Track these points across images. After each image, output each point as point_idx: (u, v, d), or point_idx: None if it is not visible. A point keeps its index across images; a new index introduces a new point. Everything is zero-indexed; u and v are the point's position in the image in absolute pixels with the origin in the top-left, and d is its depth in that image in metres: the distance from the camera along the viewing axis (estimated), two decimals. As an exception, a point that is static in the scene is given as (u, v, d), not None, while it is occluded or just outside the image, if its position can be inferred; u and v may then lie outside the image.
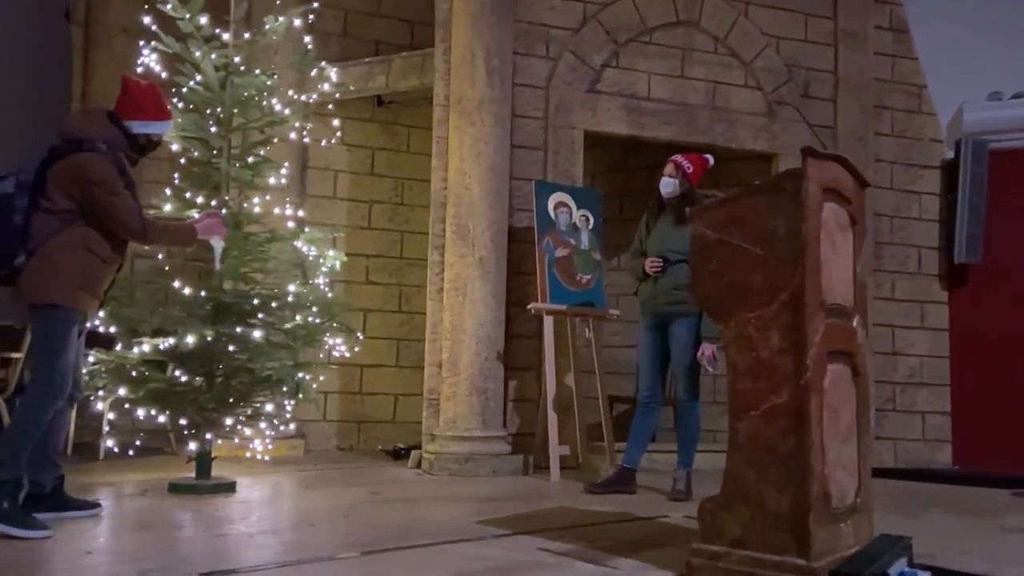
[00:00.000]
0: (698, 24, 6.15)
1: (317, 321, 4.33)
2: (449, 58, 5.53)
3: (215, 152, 4.41)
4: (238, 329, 3.98)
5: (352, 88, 5.85)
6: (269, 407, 4.17)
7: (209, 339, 3.83)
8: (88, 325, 3.54)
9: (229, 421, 4.07)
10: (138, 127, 3.44)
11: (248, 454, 4.72)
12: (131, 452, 4.53)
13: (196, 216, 3.93)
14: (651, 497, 4.38)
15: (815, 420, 2.54)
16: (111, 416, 4.39)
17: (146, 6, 4.29)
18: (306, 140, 5.04)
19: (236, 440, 5.12)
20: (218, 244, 3.75)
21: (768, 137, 6.25)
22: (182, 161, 4.69)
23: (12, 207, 3.18)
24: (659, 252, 4.44)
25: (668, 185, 4.46)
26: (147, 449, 5.19)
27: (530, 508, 3.94)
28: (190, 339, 3.84)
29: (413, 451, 5.44)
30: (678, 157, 4.52)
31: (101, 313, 3.71)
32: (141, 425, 4.45)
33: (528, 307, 5.22)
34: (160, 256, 4.51)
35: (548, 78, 5.79)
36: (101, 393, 4.00)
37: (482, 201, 5.31)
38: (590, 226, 5.50)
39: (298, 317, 4.29)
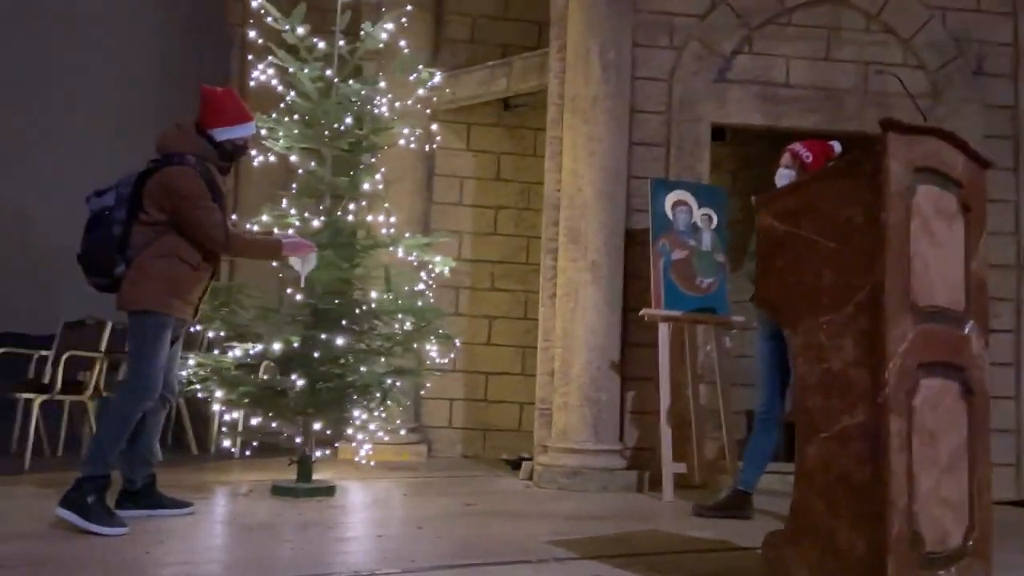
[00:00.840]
0: (846, 0, 5.54)
1: (408, 328, 4.28)
2: (564, 55, 5.34)
3: (319, 162, 4.49)
4: (323, 335, 4.00)
5: (449, 90, 5.80)
6: (357, 412, 4.16)
7: (295, 344, 3.89)
8: (183, 331, 3.67)
9: (318, 426, 4.10)
10: (220, 133, 3.54)
11: (357, 458, 4.76)
12: (248, 452, 4.71)
13: (289, 232, 4.01)
14: (767, 523, 3.92)
15: (897, 445, 2.11)
16: (227, 417, 4.60)
17: (251, 20, 4.45)
18: (412, 146, 5.00)
19: (353, 444, 5.22)
20: (299, 263, 3.74)
21: (932, 122, 5.48)
22: (300, 171, 4.83)
23: (112, 219, 3.37)
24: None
25: (784, 178, 4.00)
26: (269, 449, 5.40)
27: (619, 530, 3.65)
28: (276, 345, 3.91)
29: (525, 462, 5.27)
30: (796, 145, 4.05)
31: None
32: (262, 426, 4.62)
33: (640, 313, 4.90)
34: (275, 264, 4.65)
35: (671, 70, 5.44)
36: (218, 395, 4.16)
37: (595, 202, 5.07)
38: (713, 226, 5.09)
39: (395, 325, 4.26)
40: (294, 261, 3.78)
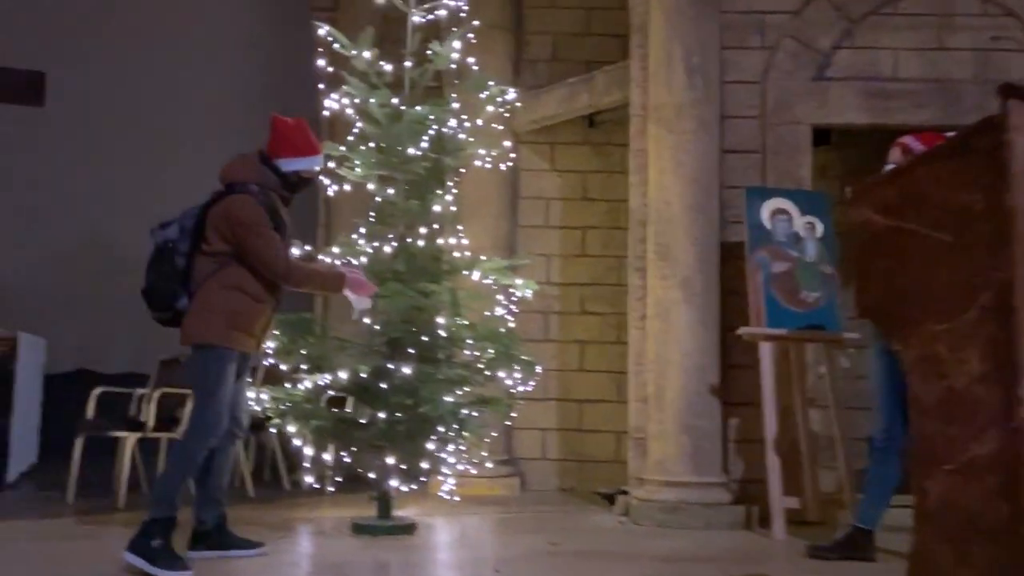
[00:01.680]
0: (958, -18, 5.04)
1: (490, 354, 4.05)
2: (647, 63, 5.07)
3: (395, 188, 4.37)
4: (392, 365, 3.83)
5: (528, 109, 5.59)
6: (432, 446, 3.96)
7: (363, 375, 3.73)
8: (248, 364, 3.58)
9: (392, 461, 3.92)
10: (286, 164, 3.45)
11: (441, 493, 4.55)
12: (331, 489, 4.60)
13: (362, 259, 3.88)
14: (892, 566, 3.45)
15: (1042, 480, 1.70)
16: (307, 451, 4.49)
17: (320, 49, 4.41)
18: (488, 166, 4.82)
19: (441, 478, 5.02)
20: (355, 299, 3.60)
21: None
22: (377, 199, 4.73)
23: (176, 251, 3.32)
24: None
25: (893, 174, 3.56)
26: (361, 482, 5.27)
27: (723, 574, 3.27)
28: (343, 375, 3.77)
29: (620, 496, 4.93)
30: (906, 138, 3.63)
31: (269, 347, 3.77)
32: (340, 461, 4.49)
33: (739, 332, 4.51)
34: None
35: (764, 71, 5.07)
36: (291, 429, 4.07)
37: (684, 216, 4.73)
38: (817, 234, 4.65)
39: (468, 352, 4.05)
40: (353, 299, 3.65)
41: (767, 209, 4.63)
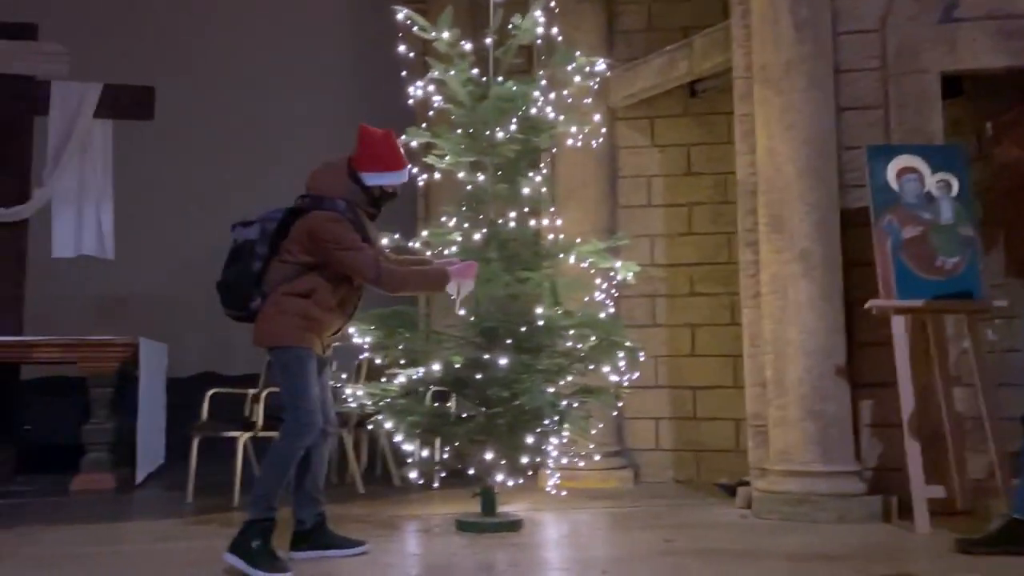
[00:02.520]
0: None
1: (592, 341, 3.82)
2: (748, 21, 4.69)
3: (484, 172, 4.21)
4: (487, 356, 3.66)
5: (624, 83, 5.27)
6: (531, 439, 3.76)
7: (457, 366, 3.58)
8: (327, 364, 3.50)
9: (491, 456, 3.75)
10: (370, 179, 3.35)
11: (547, 488, 4.37)
12: (436, 484, 4.49)
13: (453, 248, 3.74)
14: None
15: None
16: (407, 447, 4.40)
17: (400, 34, 4.29)
18: (579, 144, 4.58)
19: (548, 472, 4.85)
20: (454, 288, 3.45)
21: None
22: (469, 187, 4.58)
23: (253, 254, 3.28)
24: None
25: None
26: (462, 479, 5.16)
27: (858, 574, 2.94)
28: (436, 367, 3.63)
29: (742, 488, 4.59)
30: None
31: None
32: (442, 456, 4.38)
33: (867, 306, 4.09)
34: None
35: (882, 17, 4.59)
36: (387, 425, 3.98)
37: (798, 182, 4.34)
38: (953, 193, 4.16)
39: (569, 342, 3.84)
40: (450, 287, 3.51)
41: (893, 168, 4.19)
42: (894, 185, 4.19)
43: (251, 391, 5.67)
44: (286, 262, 3.27)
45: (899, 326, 4.00)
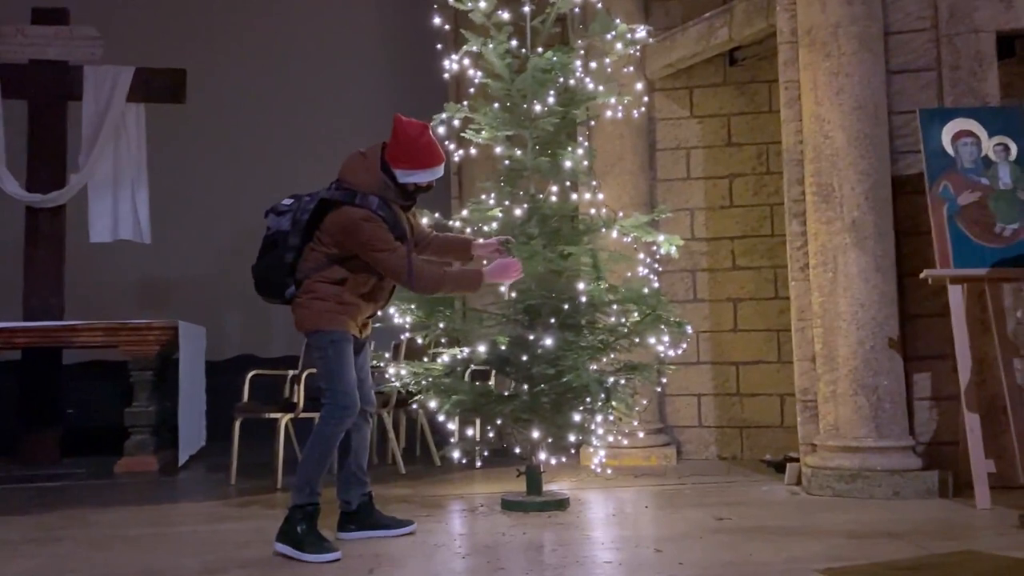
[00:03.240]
0: None
1: (635, 317, 3.73)
2: (794, -17, 4.53)
3: (522, 147, 4.12)
4: (532, 335, 3.58)
5: (662, 53, 5.11)
6: (578, 417, 3.70)
7: (503, 347, 3.51)
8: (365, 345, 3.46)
9: (537, 434, 3.69)
10: (404, 175, 3.25)
11: (592, 465, 4.30)
12: (479, 463, 4.45)
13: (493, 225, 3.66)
14: None
15: None
16: (450, 426, 4.36)
17: (435, 5, 4.19)
18: (619, 115, 4.46)
19: (591, 450, 4.78)
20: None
21: None
22: (506, 162, 4.50)
23: (286, 245, 3.24)
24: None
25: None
26: (512, 456, 5.12)
27: (920, 551, 2.85)
28: (482, 348, 3.57)
29: (789, 464, 4.50)
30: None
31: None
32: (486, 435, 4.33)
33: (923, 275, 3.96)
34: (485, 263, 4.35)
35: (933, -26, 4.41)
36: (432, 404, 3.94)
37: (848, 149, 4.20)
38: (1012, 157, 4.00)
39: (612, 317, 3.76)
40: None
41: (948, 132, 4.04)
42: (949, 150, 4.03)
43: (291, 372, 5.66)
44: (317, 250, 3.23)
45: (956, 295, 3.87)
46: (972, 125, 4.05)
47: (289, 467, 5.05)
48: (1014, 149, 4.00)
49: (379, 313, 3.47)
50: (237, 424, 5.07)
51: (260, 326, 8.43)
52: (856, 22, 4.27)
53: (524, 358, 3.64)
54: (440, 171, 3.33)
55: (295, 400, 5.14)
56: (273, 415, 5.02)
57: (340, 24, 8.49)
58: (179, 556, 3.19)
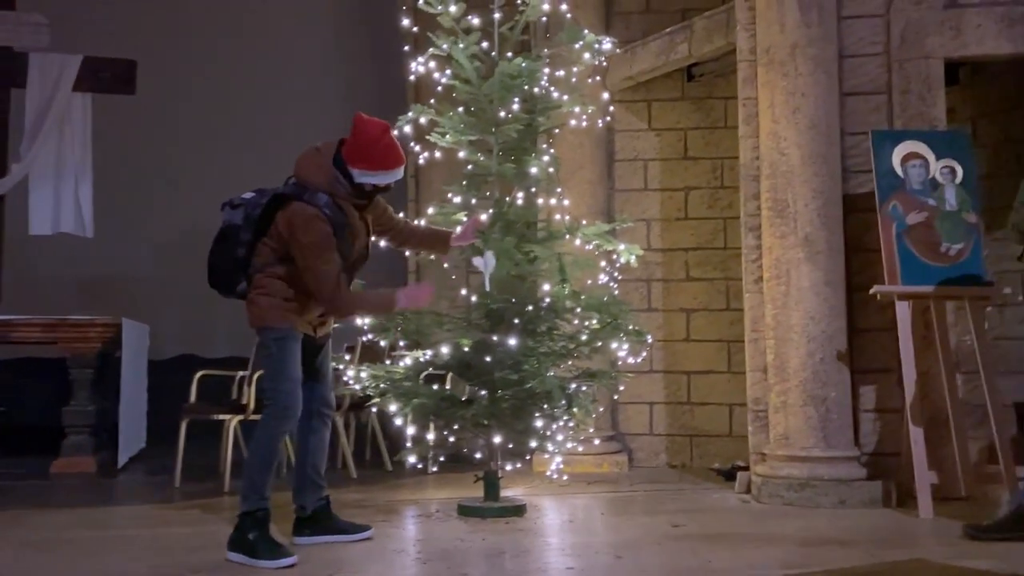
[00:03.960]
0: None
1: (594, 324, 3.77)
2: (753, 3, 4.64)
3: (486, 152, 4.13)
4: (496, 338, 3.59)
5: (624, 66, 5.20)
6: (539, 423, 3.72)
7: (466, 349, 3.51)
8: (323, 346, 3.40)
9: (498, 440, 3.69)
10: (359, 175, 3.18)
11: (549, 472, 4.32)
12: (435, 468, 4.43)
13: (457, 229, 3.65)
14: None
15: None
16: (411, 431, 4.32)
17: (404, 7, 4.18)
18: (584, 124, 4.52)
19: (546, 456, 4.81)
20: (481, 263, 3.42)
21: None
22: (470, 167, 4.49)
23: (237, 240, 3.19)
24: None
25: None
26: (463, 462, 5.09)
27: (871, 559, 2.94)
28: (445, 350, 3.56)
29: (740, 473, 4.59)
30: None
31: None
32: (443, 440, 4.31)
33: (872, 291, 4.09)
34: (446, 266, 4.34)
35: (887, 1, 4.57)
36: (392, 408, 3.90)
37: (803, 167, 4.32)
38: (957, 179, 4.17)
39: (576, 322, 3.79)
40: (478, 261, 3.45)
41: (898, 154, 4.19)
42: (899, 171, 4.18)
43: (240, 373, 5.55)
44: (268, 246, 3.18)
45: (903, 311, 4.00)
46: (921, 148, 4.20)
47: (236, 470, 4.96)
48: (960, 172, 4.17)
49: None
50: (183, 425, 4.94)
51: (204, 325, 8.23)
52: (813, 44, 4.39)
53: (488, 359, 3.63)
54: (400, 173, 3.28)
55: (244, 402, 5.04)
56: (221, 416, 4.91)
57: (297, 21, 8.37)
58: (127, 560, 3.10)
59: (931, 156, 4.20)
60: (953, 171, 4.18)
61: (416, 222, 3.93)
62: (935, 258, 4.06)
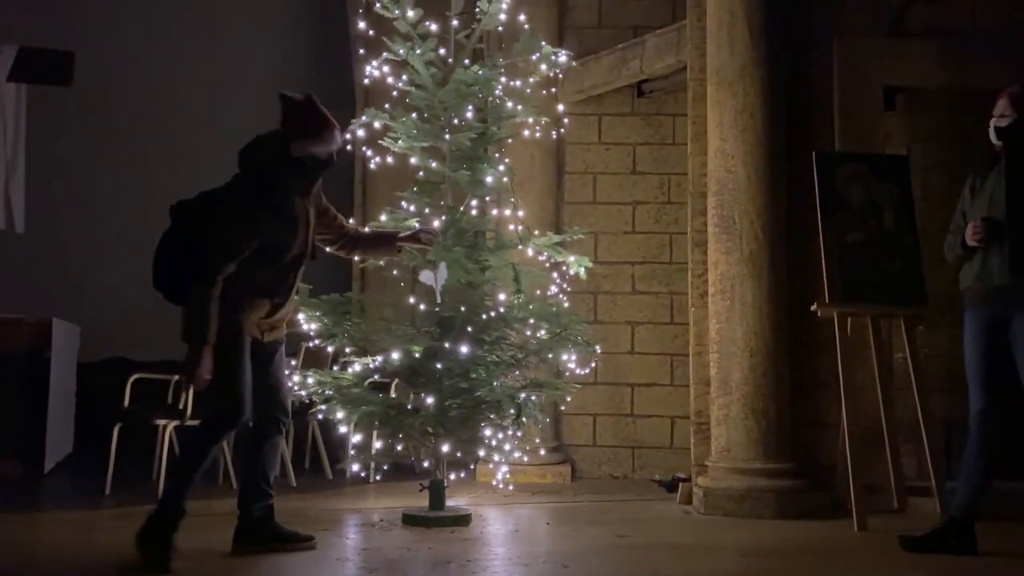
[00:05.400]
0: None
1: (543, 335, 3.79)
2: (704, 23, 4.74)
3: (439, 159, 4.11)
4: (446, 344, 3.57)
5: (575, 79, 5.27)
6: (489, 432, 3.70)
7: (417, 355, 3.48)
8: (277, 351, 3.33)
9: (446, 448, 3.67)
10: (297, 148, 3.13)
11: (494, 482, 4.30)
12: (378, 477, 4.36)
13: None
14: (996, 562, 3.16)
15: None
16: (354, 438, 4.26)
17: (361, 10, 4.15)
18: (538, 135, 4.55)
19: (491, 466, 4.79)
20: (430, 277, 3.41)
21: None
22: (421, 174, 4.46)
23: (178, 240, 3.14)
24: (986, 216, 3.25)
25: (1003, 126, 3.25)
26: (406, 471, 5.04)
27: (812, 570, 2.99)
28: (396, 356, 3.52)
29: (682, 484, 4.65)
30: (1015, 88, 3.29)
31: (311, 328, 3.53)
32: (390, 448, 4.26)
33: (812, 308, 4.20)
34: (396, 272, 4.29)
35: (833, 27, 4.73)
36: (339, 415, 3.83)
37: (749, 185, 4.41)
38: (895, 201, 4.31)
39: (527, 332, 3.79)
40: (426, 276, 3.43)
41: (841, 175, 4.31)
42: (841, 191, 4.30)
43: (175, 377, 5.39)
44: None
45: (842, 328, 4.11)
46: (862, 169, 4.34)
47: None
48: (898, 194, 4.32)
49: (283, 315, 3.30)
50: (116, 430, 4.77)
51: (135, 327, 7.97)
52: (761, 65, 4.50)
53: (438, 366, 3.60)
54: (336, 139, 3.20)
55: (181, 406, 4.89)
56: (160, 421, 4.76)
57: (245, 19, 8.21)
58: (54, 567, 2.96)
59: (872, 178, 4.33)
60: (892, 193, 4.32)
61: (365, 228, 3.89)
62: (873, 277, 4.19)
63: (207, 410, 3.08)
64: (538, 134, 4.46)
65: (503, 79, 4.16)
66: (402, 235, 3.52)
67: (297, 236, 3.17)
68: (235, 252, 3.03)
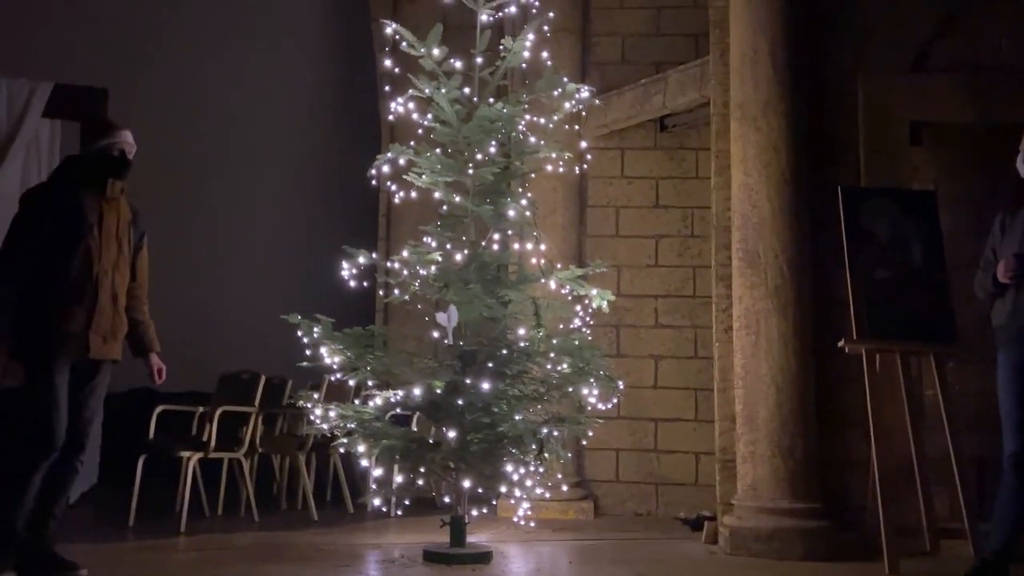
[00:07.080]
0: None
1: (565, 369, 3.76)
2: (727, 59, 4.76)
3: (463, 193, 4.14)
4: (469, 380, 3.56)
5: (599, 114, 5.30)
6: (510, 467, 3.67)
7: (439, 391, 3.47)
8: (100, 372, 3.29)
9: (467, 484, 3.64)
10: (95, 145, 3.44)
11: (516, 517, 4.25)
12: (399, 511, 4.34)
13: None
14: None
15: None
16: (376, 472, 4.24)
17: (387, 48, 4.21)
18: (561, 170, 4.57)
19: (512, 501, 4.74)
20: (444, 317, 3.44)
21: None
22: (444, 208, 4.48)
23: None
24: (1018, 253, 3.20)
25: (1029, 162, 3.22)
26: (428, 505, 4.99)
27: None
28: (417, 391, 3.52)
29: (707, 523, 4.57)
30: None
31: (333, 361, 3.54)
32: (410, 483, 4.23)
33: (840, 345, 4.14)
34: (420, 307, 4.29)
35: (858, 62, 4.72)
36: (360, 449, 3.82)
37: (774, 219, 4.39)
38: (922, 237, 4.26)
39: (549, 366, 3.77)
40: (441, 317, 3.45)
41: (867, 210, 4.27)
42: (867, 226, 4.26)
43: (200, 409, 5.42)
44: None
45: (870, 365, 4.05)
46: (888, 205, 4.30)
47: (194, 509, 4.82)
48: (927, 228, 4.27)
49: (103, 327, 3.21)
50: (141, 462, 4.80)
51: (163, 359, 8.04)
52: (785, 100, 4.50)
53: (460, 401, 3.59)
54: (128, 137, 3.56)
55: (205, 439, 4.91)
56: (184, 453, 4.77)
57: (273, 57, 8.38)
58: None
59: (898, 213, 4.29)
60: (919, 228, 4.27)
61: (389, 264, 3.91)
62: (902, 313, 4.13)
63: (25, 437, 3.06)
64: (561, 169, 4.47)
65: (527, 115, 4.18)
66: (149, 355, 3.50)
67: (103, 234, 3.41)
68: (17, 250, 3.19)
